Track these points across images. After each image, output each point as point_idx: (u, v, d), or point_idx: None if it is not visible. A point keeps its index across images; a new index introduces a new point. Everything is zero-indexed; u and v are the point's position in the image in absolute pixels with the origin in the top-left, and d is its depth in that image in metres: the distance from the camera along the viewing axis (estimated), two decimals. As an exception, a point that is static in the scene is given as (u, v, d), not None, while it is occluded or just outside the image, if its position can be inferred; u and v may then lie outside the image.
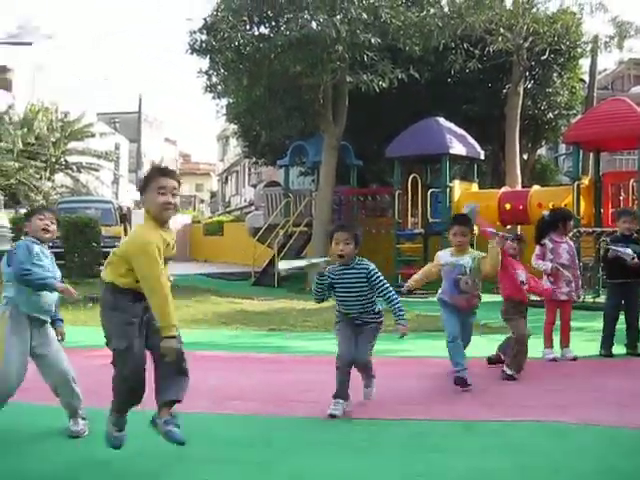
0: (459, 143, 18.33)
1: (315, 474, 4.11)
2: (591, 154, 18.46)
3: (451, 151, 17.87)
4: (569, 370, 7.55)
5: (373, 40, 16.38)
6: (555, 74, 23.14)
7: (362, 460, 4.34)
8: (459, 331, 6.38)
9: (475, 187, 19.21)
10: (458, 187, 18.40)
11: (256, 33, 17.96)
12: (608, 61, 57.81)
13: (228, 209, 57.60)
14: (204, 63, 18.85)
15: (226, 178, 64.00)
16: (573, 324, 8.64)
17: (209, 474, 4.11)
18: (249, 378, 7.00)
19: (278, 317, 11.65)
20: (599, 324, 9.27)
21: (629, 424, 5.13)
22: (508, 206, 17.30)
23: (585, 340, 9.18)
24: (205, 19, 17.79)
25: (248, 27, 17.66)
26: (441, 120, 18.75)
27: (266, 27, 18.08)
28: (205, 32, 17.74)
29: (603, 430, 5.00)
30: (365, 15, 16.48)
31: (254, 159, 29.87)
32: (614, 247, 8.09)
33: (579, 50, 22.72)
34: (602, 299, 14.56)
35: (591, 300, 14.77)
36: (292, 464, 4.26)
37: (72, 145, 37.44)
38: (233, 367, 7.71)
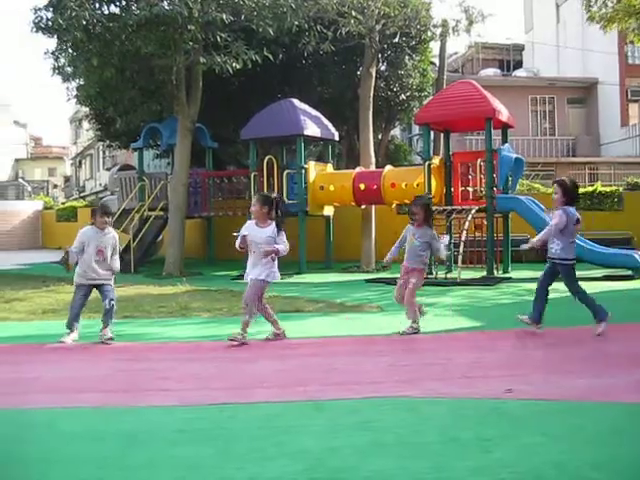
0: (313, 124, 18.46)
1: (170, 465, 3.98)
2: (442, 135, 19.05)
3: (305, 132, 17.97)
4: (416, 345, 7.77)
5: (225, 17, 16.18)
6: (406, 57, 23.76)
7: (214, 446, 4.27)
8: None
9: (330, 168, 19.45)
10: (313, 168, 18.57)
11: (106, 12, 17.32)
12: (459, 45, 59.81)
13: (83, 194, 55.90)
14: (51, 43, 18.07)
15: (80, 162, 62.12)
16: (426, 300, 8.86)
17: (55, 474, 3.89)
18: (99, 369, 6.73)
19: (133, 304, 11.34)
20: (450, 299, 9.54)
21: (474, 395, 5.33)
22: (362, 186, 17.63)
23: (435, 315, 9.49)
24: (51, -5, 16.99)
25: (97, 5, 17.02)
26: (295, 102, 18.83)
27: (116, 6, 17.47)
28: (51, 10, 16.93)
29: (449, 402, 5.16)
30: (218, -6, 16.26)
31: (107, 142, 29.07)
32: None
33: (429, 34, 23.38)
34: (454, 275, 15.15)
35: (443, 276, 15.31)
36: (145, 455, 4.13)
37: None
38: (83, 358, 7.41)
